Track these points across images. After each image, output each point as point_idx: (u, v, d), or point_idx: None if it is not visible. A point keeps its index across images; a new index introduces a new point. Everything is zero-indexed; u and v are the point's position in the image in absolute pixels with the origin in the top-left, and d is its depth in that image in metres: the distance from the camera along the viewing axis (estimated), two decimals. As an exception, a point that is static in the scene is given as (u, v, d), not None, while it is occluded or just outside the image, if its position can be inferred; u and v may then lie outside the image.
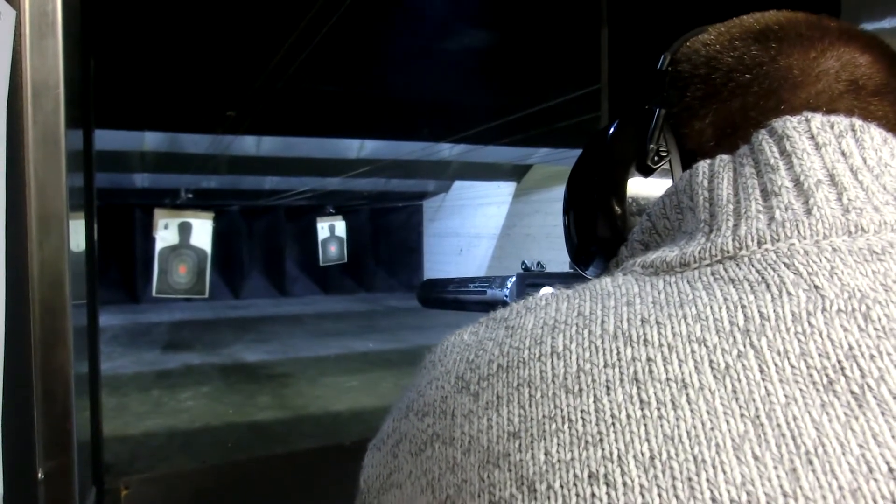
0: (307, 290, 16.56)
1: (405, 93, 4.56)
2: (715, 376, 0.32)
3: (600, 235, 0.55)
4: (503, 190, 13.05)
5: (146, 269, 12.70)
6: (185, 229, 4.73)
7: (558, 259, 1.05)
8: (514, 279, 0.92)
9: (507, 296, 0.93)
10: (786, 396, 0.31)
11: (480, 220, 14.03)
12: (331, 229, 9.05)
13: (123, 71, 3.45)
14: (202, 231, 4.74)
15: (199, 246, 4.74)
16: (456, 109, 5.25)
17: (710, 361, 0.32)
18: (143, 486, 1.42)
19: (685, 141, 0.51)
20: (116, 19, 2.71)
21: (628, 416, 0.32)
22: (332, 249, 9.04)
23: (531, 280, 0.89)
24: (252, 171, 10.21)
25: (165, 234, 4.67)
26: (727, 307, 0.35)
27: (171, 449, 5.12)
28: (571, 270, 0.97)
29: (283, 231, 16.32)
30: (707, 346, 0.33)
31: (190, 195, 11.22)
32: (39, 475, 0.80)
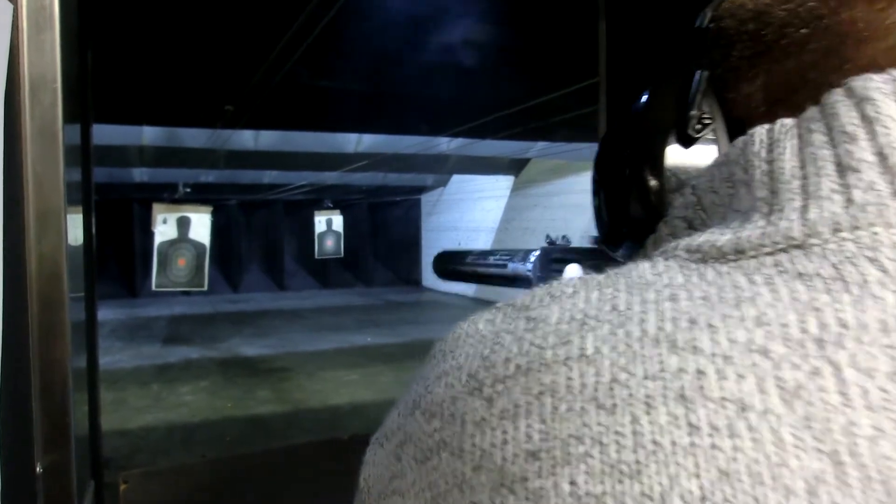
0: (306, 284, 16.57)
1: (403, 87, 4.55)
2: (782, 398, 0.26)
3: (634, 213, 0.48)
4: (501, 184, 13.05)
5: (145, 264, 12.70)
6: (183, 223, 4.73)
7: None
8: (537, 253, 0.87)
9: (529, 270, 0.89)
10: (873, 428, 0.25)
11: (479, 214, 14.04)
12: (328, 223, 9.07)
13: (121, 65, 3.44)
14: (200, 225, 4.74)
15: (198, 240, 4.75)
16: (454, 103, 5.24)
17: (777, 378, 0.27)
18: (142, 481, 1.42)
19: (731, 107, 0.45)
20: (114, 13, 2.70)
21: (673, 444, 0.26)
22: (329, 243, 9.06)
23: (556, 255, 0.84)
24: (250, 166, 10.21)
25: (164, 228, 4.68)
26: (795, 310, 0.28)
27: (170, 443, 5.13)
28: (598, 246, 0.93)
29: (282, 225, 16.33)
30: (772, 359, 0.27)
31: (188, 189, 11.21)
32: (38, 469, 0.80)
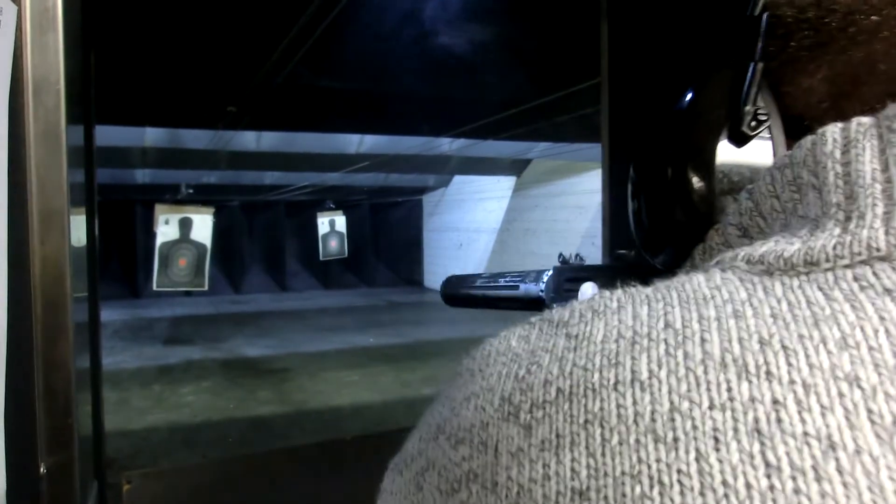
0: (307, 285, 16.57)
1: (405, 87, 4.55)
2: (878, 434, 0.22)
3: (679, 218, 0.44)
4: (503, 184, 13.05)
5: (147, 265, 12.69)
6: (185, 224, 4.74)
7: (557, 254, 1.02)
8: (550, 272, 0.87)
9: (542, 291, 0.88)
10: None
11: (480, 215, 14.04)
12: (331, 224, 9.07)
13: (124, 67, 3.44)
14: (202, 226, 4.75)
15: (200, 241, 4.75)
16: (456, 104, 5.24)
17: (869, 412, 0.22)
18: (145, 481, 1.42)
19: (788, 102, 0.41)
20: (117, 15, 2.71)
21: (748, 486, 0.22)
22: (333, 244, 9.06)
23: (570, 274, 0.83)
24: (252, 167, 10.22)
25: (166, 229, 4.68)
26: (886, 330, 0.24)
27: (173, 444, 5.13)
28: (615, 263, 0.91)
29: (284, 226, 16.33)
30: (862, 389, 0.23)
31: (190, 190, 11.21)
32: (41, 470, 0.80)
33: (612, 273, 0.93)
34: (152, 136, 7.28)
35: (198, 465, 1.58)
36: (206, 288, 4.91)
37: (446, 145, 8.30)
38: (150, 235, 4.75)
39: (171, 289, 4.80)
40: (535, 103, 5.00)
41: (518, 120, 5.70)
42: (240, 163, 9.40)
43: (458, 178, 14.25)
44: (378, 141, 8.42)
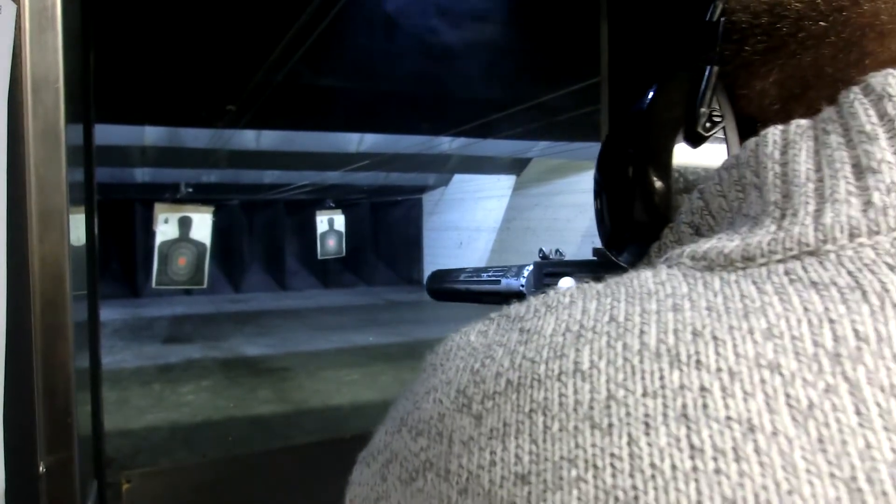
0: (307, 284, 16.58)
1: (405, 86, 4.55)
2: (794, 418, 0.24)
3: (638, 217, 0.45)
4: (503, 183, 13.05)
5: (147, 264, 12.70)
6: (185, 223, 4.74)
7: (562, 252, 1.03)
8: (531, 268, 0.88)
9: (522, 286, 0.90)
10: (893, 451, 0.23)
11: (480, 214, 14.04)
12: (330, 223, 9.07)
13: (123, 65, 3.44)
14: (202, 225, 4.75)
15: (199, 239, 4.75)
16: (455, 103, 5.24)
17: (787, 396, 0.24)
18: (145, 480, 1.43)
19: (742, 104, 0.43)
20: (116, 13, 2.71)
21: (674, 468, 0.24)
22: (331, 243, 9.06)
23: (549, 269, 0.85)
24: (252, 166, 10.22)
25: (166, 228, 4.68)
26: (809, 321, 0.26)
27: (172, 443, 5.13)
28: (594, 258, 0.93)
29: (283, 225, 16.33)
30: (782, 375, 0.25)
31: (190, 189, 11.21)
32: (41, 469, 0.80)
33: (590, 268, 0.94)
34: (152, 134, 7.27)
35: (197, 465, 1.58)
36: (205, 286, 4.91)
37: (446, 144, 8.30)
38: (150, 234, 4.75)
39: (171, 287, 4.79)
40: (534, 102, 5.00)
41: (518, 119, 5.71)
42: (239, 162, 9.41)
43: (457, 177, 14.25)
44: (378, 140, 8.42)
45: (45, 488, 0.80)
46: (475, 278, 1.10)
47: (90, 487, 1.04)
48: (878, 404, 0.24)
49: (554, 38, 3.23)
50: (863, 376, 0.24)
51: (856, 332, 0.25)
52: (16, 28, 0.76)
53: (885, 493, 0.22)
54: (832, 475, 0.22)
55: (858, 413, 0.23)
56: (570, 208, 10.85)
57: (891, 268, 0.27)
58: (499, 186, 13.17)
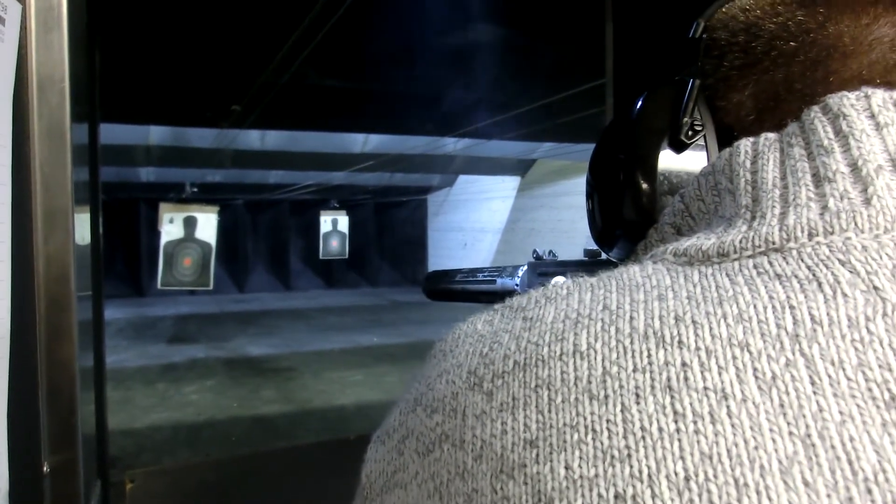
0: (311, 285, 16.58)
1: (410, 87, 4.55)
2: (760, 387, 0.28)
3: (627, 216, 0.51)
4: (508, 184, 13.04)
5: (151, 263, 12.72)
6: (189, 223, 4.74)
7: (565, 254, 1.05)
8: (525, 268, 0.91)
9: (517, 285, 0.93)
10: (841, 413, 0.27)
11: (485, 215, 14.03)
12: (333, 223, 9.07)
13: (129, 65, 3.45)
14: (207, 225, 4.75)
15: (204, 239, 4.75)
16: (461, 104, 5.24)
17: (755, 370, 0.29)
18: (149, 480, 1.43)
19: (721, 115, 0.47)
20: (122, 13, 2.71)
21: (660, 430, 0.28)
22: (334, 244, 9.06)
23: (543, 269, 0.88)
24: (257, 166, 10.22)
25: (170, 227, 4.68)
26: (773, 307, 0.31)
27: (176, 442, 5.14)
28: (586, 258, 0.96)
29: (288, 225, 16.34)
30: (751, 352, 0.29)
31: (195, 189, 11.21)
32: (45, 469, 0.80)
33: (582, 267, 0.96)
34: (157, 134, 7.29)
35: (201, 464, 1.58)
36: (210, 287, 4.91)
37: (451, 145, 8.30)
38: (155, 234, 4.75)
39: (177, 287, 4.79)
40: (539, 103, 5.00)
41: (523, 120, 5.70)
42: (244, 161, 9.41)
43: (462, 178, 14.24)
44: (382, 140, 8.41)
45: (48, 488, 0.80)
46: (471, 279, 1.12)
47: (94, 487, 1.04)
48: (829, 375, 0.28)
49: (559, 39, 3.23)
50: (817, 353, 0.29)
51: (812, 316, 0.30)
52: (21, 28, 0.76)
53: (833, 447, 0.26)
54: (791, 433, 0.27)
55: (813, 383, 0.28)
56: (574, 210, 10.84)
57: (842, 263, 0.32)
58: (504, 187, 13.16)
